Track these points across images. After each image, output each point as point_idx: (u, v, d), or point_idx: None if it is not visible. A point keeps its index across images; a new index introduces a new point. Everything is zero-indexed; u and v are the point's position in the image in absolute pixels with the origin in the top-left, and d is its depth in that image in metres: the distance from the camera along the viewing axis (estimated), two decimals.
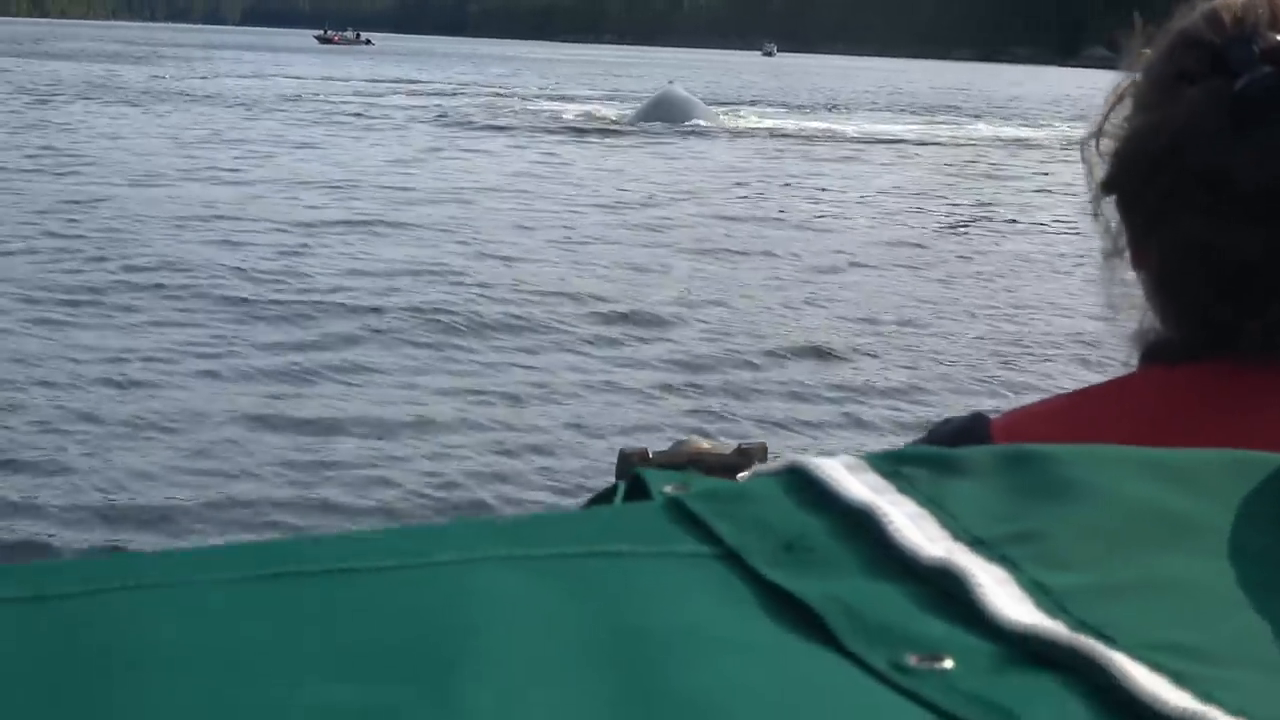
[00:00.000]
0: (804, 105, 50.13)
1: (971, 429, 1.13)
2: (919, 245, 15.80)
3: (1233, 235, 1.03)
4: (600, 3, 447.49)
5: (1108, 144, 1.13)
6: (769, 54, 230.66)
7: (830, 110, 47.54)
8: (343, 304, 11.08)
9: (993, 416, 1.18)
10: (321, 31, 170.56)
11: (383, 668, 0.42)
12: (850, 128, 36.90)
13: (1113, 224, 1.16)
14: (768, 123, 36.62)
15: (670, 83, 38.16)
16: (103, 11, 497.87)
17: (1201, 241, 1.05)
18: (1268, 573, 0.52)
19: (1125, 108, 1.13)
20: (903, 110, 50.21)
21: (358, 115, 34.27)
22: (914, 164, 26.79)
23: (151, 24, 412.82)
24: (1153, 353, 1.13)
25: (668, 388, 9.03)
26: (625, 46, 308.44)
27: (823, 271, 13.87)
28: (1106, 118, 1.14)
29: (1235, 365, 1.05)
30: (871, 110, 48.78)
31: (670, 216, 17.10)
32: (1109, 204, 1.15)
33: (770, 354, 9.94)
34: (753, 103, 48.63)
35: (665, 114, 33.36)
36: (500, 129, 31.67)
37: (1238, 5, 1.06)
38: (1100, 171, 1.14)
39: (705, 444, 0.84)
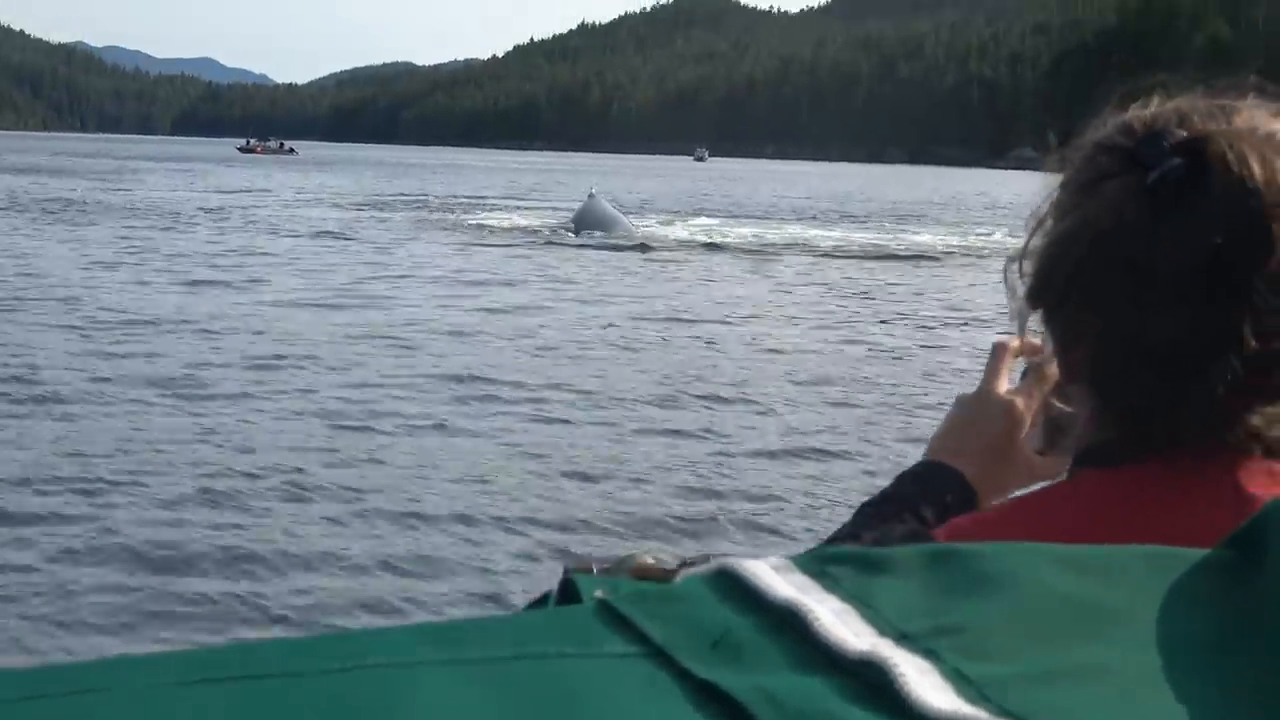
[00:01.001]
0: (733, 214, 48.56)
1: (914, 539, 1.11)
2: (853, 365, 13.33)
3: (1160, 319, 1.06)
4: (531, 110, 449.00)
5: (1029, 265, 1.17)
6: (700, 159, 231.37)
7: (760, 218, 46.61)
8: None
9: (934, 530, 1.20)
10: (244, 141, 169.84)
11: None
12: (775, 234, 36.43)
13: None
14: (698, 235, 35.77)
15: (592, 194, 37.23)
16: (34, 123, 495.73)
17: (1129, 331, 1.08)
18: (1187, 660, 0.53)
19: (1046, 227, 1.17)
20: (842, 217, 49.33)
21: (273, 229, 31.97)
22: (845, 272, 24.52)
23: (83, 135, 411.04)
24: (1088, 456, 1.14)
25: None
26: (556, 153, 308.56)
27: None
28: (1029, 241, 1.18)
29: (1171, 463, 1.08)
30: (802, 219, 47.52)
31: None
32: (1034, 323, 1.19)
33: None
34: (687, 213, 47.56)
35: (590, 225, 33.37)
36: (420, 241, 30.71)
37: (1147, 115, 1.12)
38: (1023, 291, 1.17)
39: (649, 558, 0.87)
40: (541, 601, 0.64)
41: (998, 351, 1.48)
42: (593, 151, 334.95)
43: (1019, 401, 1.44)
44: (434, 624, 0.53)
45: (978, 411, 1.46)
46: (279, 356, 13.72)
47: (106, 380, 12.18)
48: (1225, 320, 1.05)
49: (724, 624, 0.54)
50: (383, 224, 36.20)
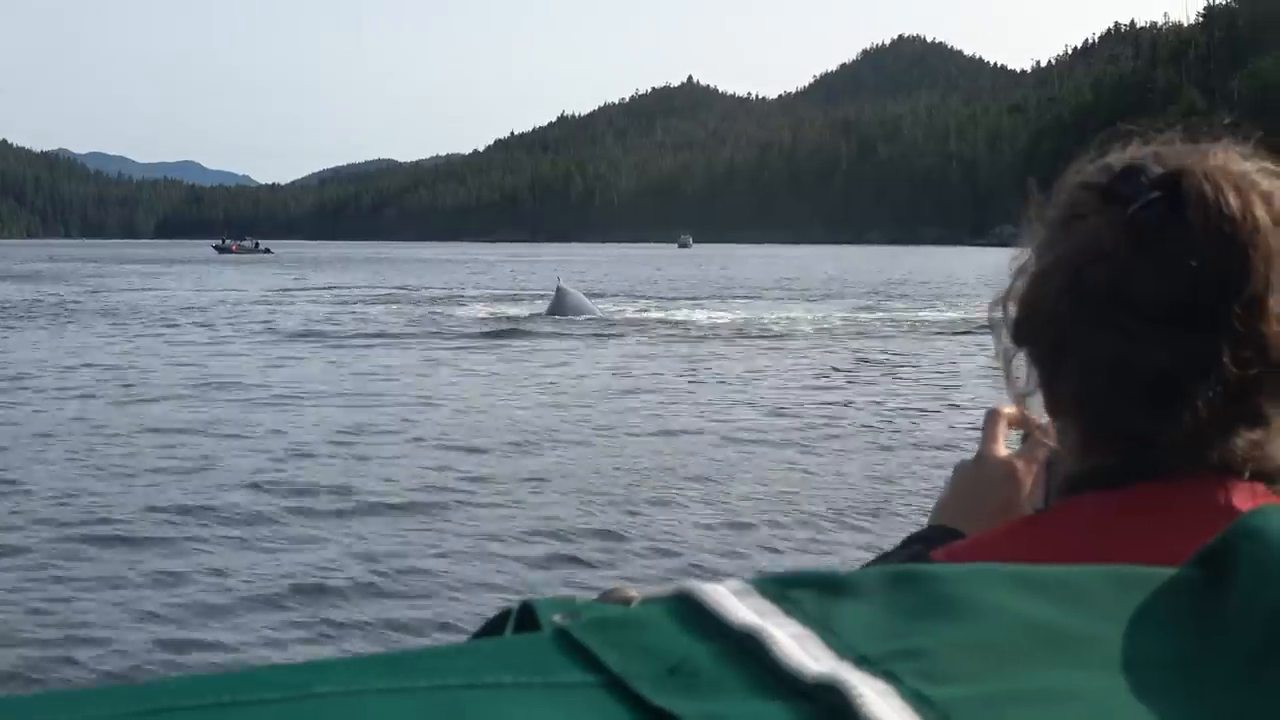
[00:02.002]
0: (714, 296, 48.22)
1: (915, 561, 1.14)
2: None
3: (1143, 348, 1.08)
4: (514, 202, 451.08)
5: (1014, 308, 1.19)
6: (685, 245, 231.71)
7: (748, 299, 46.77)
8: None
9: (933, 551, 1.21)
10: (219, 241, 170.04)
11: None
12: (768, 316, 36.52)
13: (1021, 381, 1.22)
14: (678, 315, 36.64)
15: (560, 285, 38.08)
16: (18, 230, 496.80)
17: (1112, 360, 1.10)
18: (1153, 681, 0.53)
19: (1029, 269, 1.19)
20: (834, 295, 49.23)
21: (262, 326, 31.01)
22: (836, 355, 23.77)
23: (67, 240, 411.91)
24: (1076, 483, 1.16)
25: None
26: (540, 244, 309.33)
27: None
28: (1013, 284, 1.19)
29: (1158, 485, 1.10)
30: (792, 299, 47.33)
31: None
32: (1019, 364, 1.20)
33: None
34: (682, 299, 47.57)
35: (561, 311, 34.86)
36: (398, 336, 29.84)
37: (1124, 156, 1.15)
38: (1009, 330, 1.19)
39: (634, 592, 0.79)
40: (498, 623, 0.62)
41: (992, 418, 1.48)
42: (576, 241, 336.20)
43: (1019, 465, 1.45)
44: (385, 653, 0.52)
45: (979, 478, 1.47)
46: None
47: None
48: (1205, 347, 1.07)
49: (682, 650, 0.53)
50: (357, 320, 35.51)
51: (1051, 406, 1.19)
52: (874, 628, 0.55)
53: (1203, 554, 0.60)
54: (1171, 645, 0.55)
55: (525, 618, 0.59)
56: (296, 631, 7.84)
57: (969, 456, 1.50)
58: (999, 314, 1.21)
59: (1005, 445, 1.49)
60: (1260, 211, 1.07)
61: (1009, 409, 1.47)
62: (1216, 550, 0.60)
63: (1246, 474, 1.10)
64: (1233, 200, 1.06)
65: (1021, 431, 1.49)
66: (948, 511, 1.47)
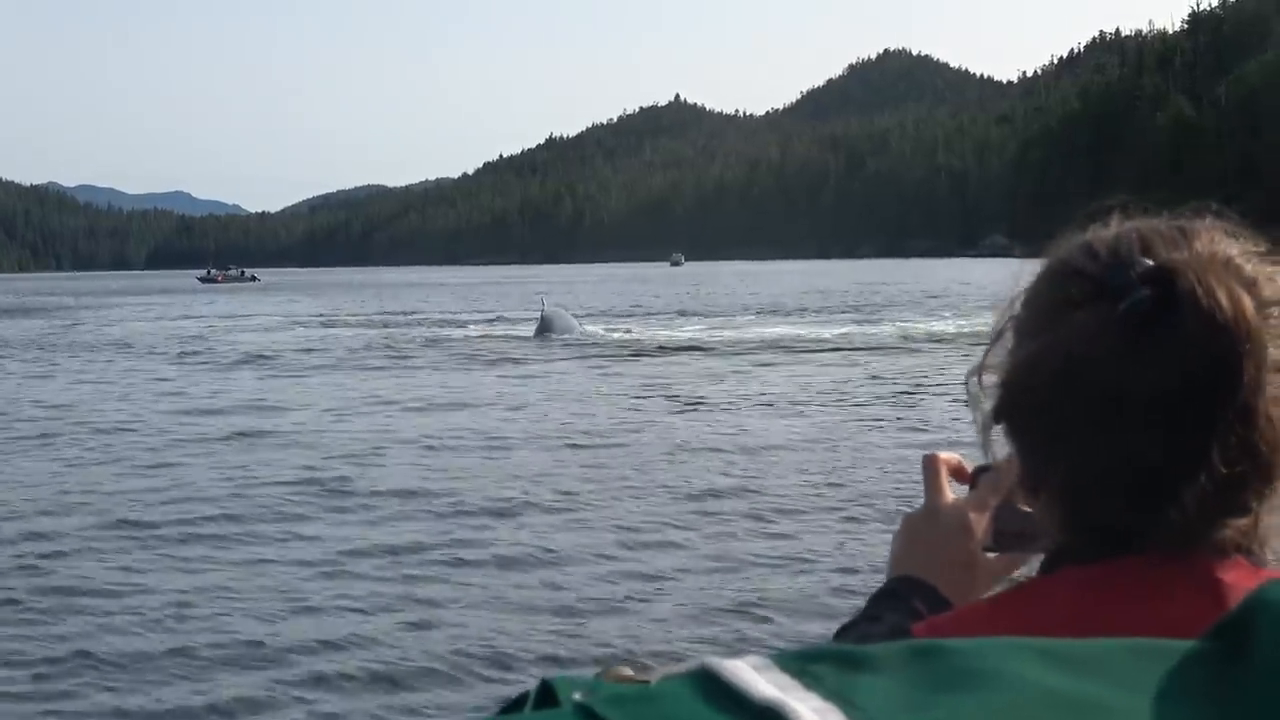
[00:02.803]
0: (697, 314, 47.74)
1: (895, 635, 1.14)
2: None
3: (1133, 446, 1.08)
4: (504, 225, 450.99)
5: (990, 377, 1.19)
6: (677, 264, 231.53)
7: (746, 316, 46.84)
8: None
9: (914, 626, 1.21)
10: (205, 271, 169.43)
11: None
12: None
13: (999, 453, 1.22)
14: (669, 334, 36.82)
15: (543, 307, 38.26)
16: (9, 265, 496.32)
17: (1104, 455, 1.10)
18: None
19: (1007, 342, 1.19)
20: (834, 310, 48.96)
21: (253, 358, 30.41)
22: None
23: (58, 274, 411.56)
24: (1061, 556, 1.17)
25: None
26: (531, 266, 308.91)
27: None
28: (989, 354, 1.20)
29: (1146, 559, 1.10)
30: (787, 315, 46.84)
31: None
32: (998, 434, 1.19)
33: None
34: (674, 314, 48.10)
35: (549, 331, 35.39)
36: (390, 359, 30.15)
37: (1109, 238, 1.15)
38: (987, 403, 1.19)
39: (629, 671, 0.81)
40: (519, 704, 0.63)
41: (932, 464, 1.49)
42: (567, 262, 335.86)
43: (971, 514, 1.45)
44: None
45: (931, 528, 1.46)
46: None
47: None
48: (1195, 446, 1.07)
49: None
50: (345, 346, 35.03)
51: (1033, 485, 1.19)
52: (895, 701, 0.55)
53: (1220, 626, 0.60)
54: (1190, 716, 0.55)
55: (545, 697, 0.59)
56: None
57: (915, 508, 1.49)
58: (975, 383, 1.21)
59: (950, 491, 1.48)
60: (1250, 309, 1.06)
61: (947, 455, 1.47)
62: (1234, 622, 0.60)
63: (1233, 554, 1.11)
64: (1225, 302, 1.05)
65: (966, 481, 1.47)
66: (903, 566, 1.46)
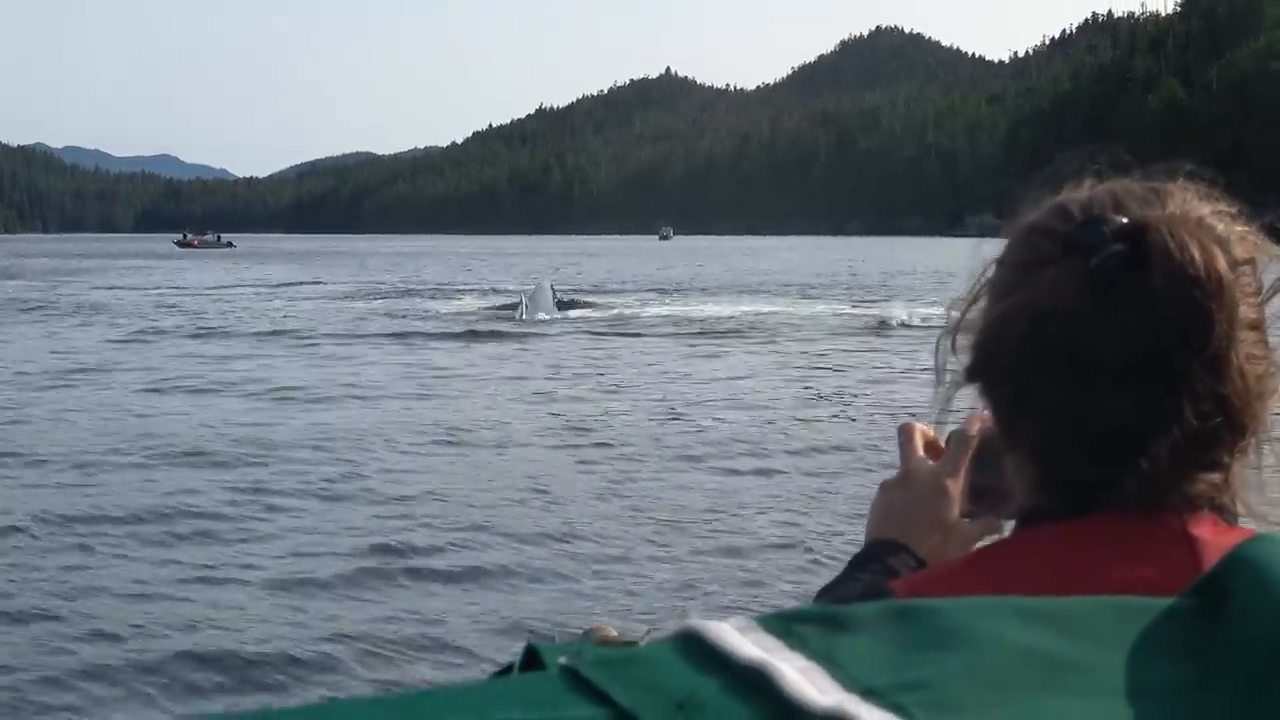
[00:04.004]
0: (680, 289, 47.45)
1: (873, 595, 1.14)
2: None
3: (1102, 403, 1.08)
4: (493, 194, 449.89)
5: (964, 339, 1.19)
6: (665, 237, 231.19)
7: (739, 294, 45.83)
8: None
9: (891, 583, 1.21)
10: (181, 236, 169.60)
11: None
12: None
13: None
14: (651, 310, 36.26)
15: (532, 283, 39.10)
16: None
17: (1074, 411, 1.09)
18: (1153, 708, 0.54)
19: (980, 304, 1.19)
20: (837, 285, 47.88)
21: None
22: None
23: (44, 235, 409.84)
24: (1034, 515, 1.16)
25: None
26: (520, 236, 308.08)
27: None
28: (963, 315, 1.20)
29: (1118, 515, 1.10)
30: (768, 293, 46.27)
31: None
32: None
33: None
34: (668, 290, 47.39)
35: (533, 308, 34.50)
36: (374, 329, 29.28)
37: (1082, 197, 1.15)
38: (954, 363, 1.20)
39: (613, 631, 0.87)
40: (506, 671, 0.63)
41: (907, 431, 1.51)
42: (556, 234, 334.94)
43: (946, 478, 1.46)
44: (394, 694, 0.52)
45: (907, 494, 1.48)
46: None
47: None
48: (1166, 402, 1.07)
49: (689, 685, 0.53)
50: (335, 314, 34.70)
51: (1006, 443, 1.19)
52: (879, 660, 0.55)
53: (1199, 584, 0.61)
54: (1170, 673, 0.56)
55: (531, 662, 0.59)
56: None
57: (891, 474, 1.50)
58: (947, 344, 1.21)
59: (925, 457, 1.49)
60: (1222, 265, 1.06)
61: (923, 425, 1.50)
62: (1212, 580, 0.60)
63: (1205, 509, 1.11)
64: (1197, 255, 1.06)
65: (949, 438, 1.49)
66: (880, 530, 1.47)
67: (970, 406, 1.22)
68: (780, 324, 32.04)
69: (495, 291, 46.27)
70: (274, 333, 29.38)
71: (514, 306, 35.27)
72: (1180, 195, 1.13)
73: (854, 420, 16.20)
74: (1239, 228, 1.12)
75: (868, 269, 71.27)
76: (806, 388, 19.43)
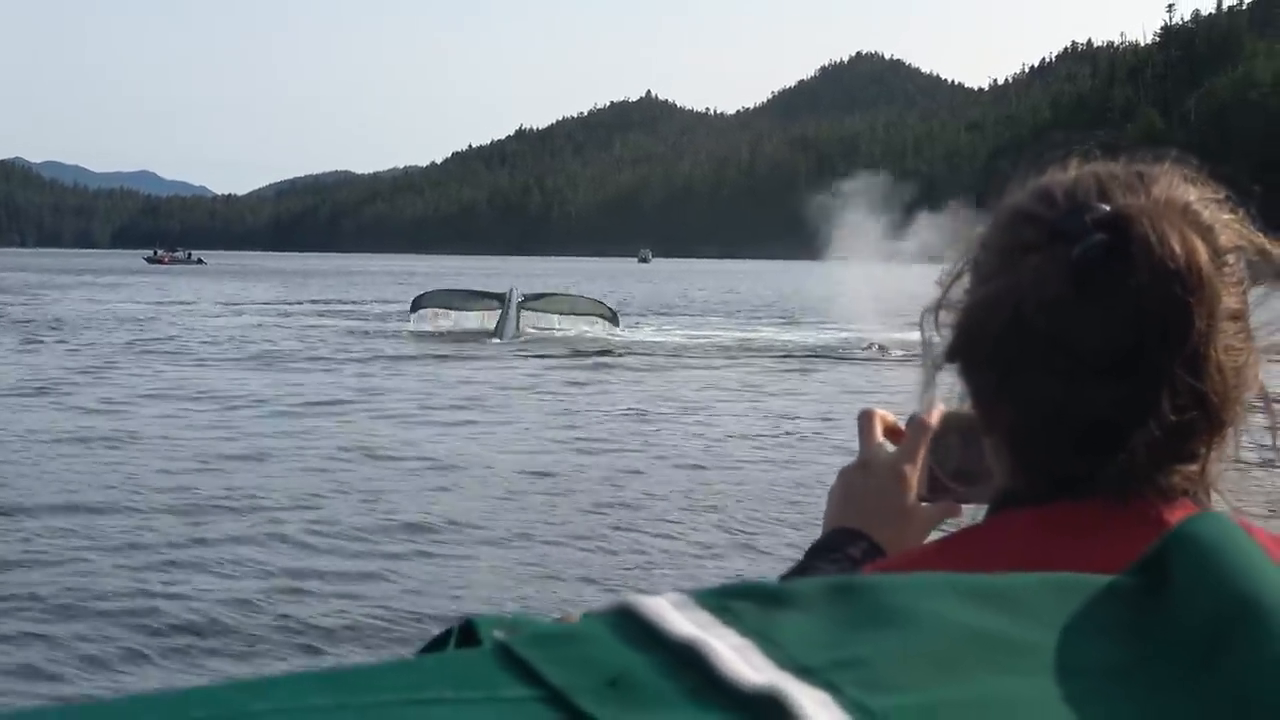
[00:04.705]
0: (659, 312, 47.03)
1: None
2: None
3: (1082, 393, 1.08)
4: (472, 215, 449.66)
5: (947, 316, 1.19)
6: (645, 260, 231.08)
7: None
8: None
9: (863, 569, 1.20)
10: (151, 252, 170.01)
11: None
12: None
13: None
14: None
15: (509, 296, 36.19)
16: None
17: (1053, 401, 1.09)
18: (1094, 686, 0.54)
19: (964, 282, 1.19)
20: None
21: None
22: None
23: (21, 250, 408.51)
24: (1009, 499, 1.16)
25: None
26: (499, 257, 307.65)
27: None
28: (946, 292, 1.20)
29: (1093, 502, 1.10)
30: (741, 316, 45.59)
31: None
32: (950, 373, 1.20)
33: None
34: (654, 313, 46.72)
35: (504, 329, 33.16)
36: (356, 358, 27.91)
37: (1067, 181, 1.14)
38: (939, 342, 1.19)
39: (574, 615, 0.81)
40: (440, 642, 0.63)
41: (867, 419, 1.51)
42: (535, 255, 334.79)
43: (905, 465, 1.46)
44: (324, 670, 0.51)
45: (865, 481, 1.48)
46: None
47: None
48: (1145, 395, 1.07)
49: (622, 663, 0.53)
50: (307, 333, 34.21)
51: (985, 425, 1.19)
52: (814, 638, 0.55)
53: (1140, 562, 0.61)
54: (1110, 651, 0.56)
55: (467, 636, 0.60)
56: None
57: (851, 461, 1.51)
58: (930, 322, 1.22)
59: (885, 443, 1.50)
60: (1204, 257, 1.06)
61: (883, 411, 1.50)
62: (1154, 558, 0.60)
63: (1181, 499, 1.12)
64: (1179, 248, 1.05)
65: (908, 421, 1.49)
66: (839, 518, 1.48)
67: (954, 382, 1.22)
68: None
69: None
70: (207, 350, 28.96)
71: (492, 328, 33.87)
72: (1166, 180, 1.12)
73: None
74: (1225, 215, 1.12)
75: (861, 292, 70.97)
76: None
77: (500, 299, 34.84)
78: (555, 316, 35.36)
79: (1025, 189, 1.17)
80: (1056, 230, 1.09)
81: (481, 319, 33.90)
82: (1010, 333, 1.10)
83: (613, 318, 34.88)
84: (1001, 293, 1.11)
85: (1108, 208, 1.08)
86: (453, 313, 34.31)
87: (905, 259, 30.95)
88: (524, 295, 36.33)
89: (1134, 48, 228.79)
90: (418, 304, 34.49)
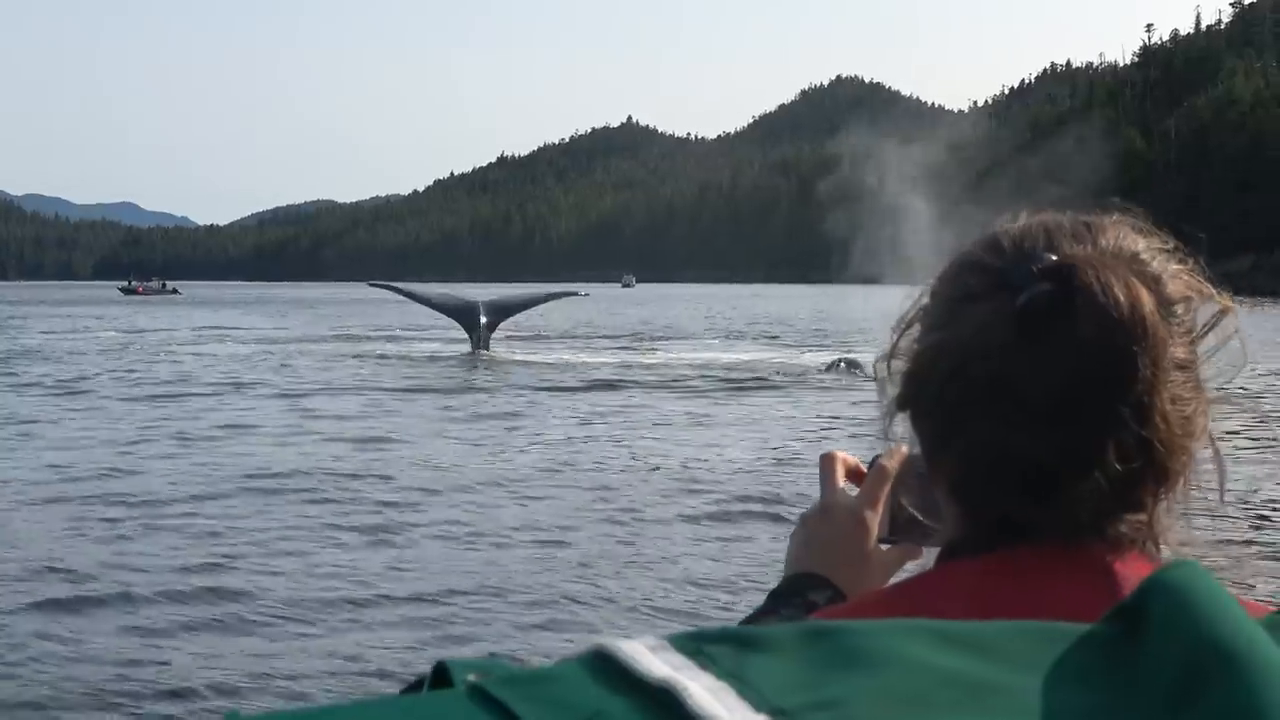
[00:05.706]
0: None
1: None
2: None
3: (1025, 441, 1.07)
4: (454, 242, 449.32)
5: (899, 364, 1.19)
6: (628, 285, 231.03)
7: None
8: None
9: (812, 616, 1.21)
10: (126, 283, 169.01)
11: None
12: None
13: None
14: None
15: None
16: None
17: (997, 447, 1.09)
18: None
19: (914, 331, 1.19)
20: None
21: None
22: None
23: (3, 283, 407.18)
24: (957, 549, 1.16)
25: None
26: (481, 284, 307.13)
27: None
28: (898, 341, 1.20)
29: (1040, 549, 1.10)
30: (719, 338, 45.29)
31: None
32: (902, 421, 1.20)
33: None
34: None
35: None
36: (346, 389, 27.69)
37: (1015, 231, 1.15)
38: (893, 391, 1.19)
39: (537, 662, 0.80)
40: (416, 687, 0.62)
41: (829, 462, 1.51)
42: (517, 281, 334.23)
43: (866, 510, 1.46)
44: (304, 708, 0.51)
45: (825, 525, 1.47)
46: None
47: None
48: (1089, 444, 1.07)
49: (596, 703, 0.53)
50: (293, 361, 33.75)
51: (933, 475, 1.19)
52: (789, 680, 0.55)
53: (1118, 609, 0.61)
54: (1085, 696, 0.56)
55: (440, 680, 0.59)
56: None
57: (811, 506, 1.50)
58: (884, 369, 1.21)
59: (846, 488, 1.50)
60: (1150, 307, 1.06)
61: (844, 454, 1.51)
62: (1131, 605, 0.60)
63: (1128, 548, 1.11)
64: (1122, 297, 1.05)
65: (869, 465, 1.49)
66: (800, 563, 1.47)
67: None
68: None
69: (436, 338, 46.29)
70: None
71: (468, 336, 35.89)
72: (1114, 230, 1.13)
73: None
74: (1174, 265, 1.12)
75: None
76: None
77: (467, 312, 36.79)
78: (520, 315, 37.63)
79: (974, 239, 1.17)
80: (1002, 279, 1.09)
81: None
82: (954, 381, 1.10)
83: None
84: (948, 341, 1.12)
85: (1054, 257, 1.08)
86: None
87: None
88: (485, 307, 37.26)
89: (1113, 68, 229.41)
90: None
